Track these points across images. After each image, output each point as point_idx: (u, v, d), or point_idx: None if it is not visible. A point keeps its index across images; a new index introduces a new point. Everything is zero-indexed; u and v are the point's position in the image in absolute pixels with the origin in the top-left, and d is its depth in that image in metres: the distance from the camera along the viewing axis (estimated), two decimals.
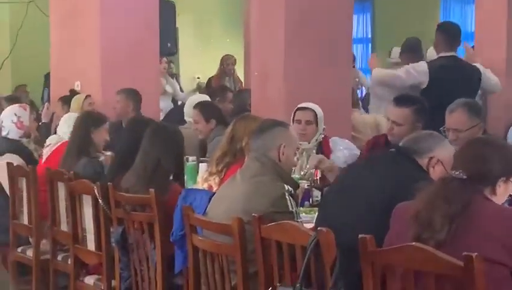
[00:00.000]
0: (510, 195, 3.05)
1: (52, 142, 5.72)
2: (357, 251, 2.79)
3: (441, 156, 3.43)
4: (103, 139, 5.38)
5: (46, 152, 5.65)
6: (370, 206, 3.24)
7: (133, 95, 6.88)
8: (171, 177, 4.42)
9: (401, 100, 4.78)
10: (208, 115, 6.04)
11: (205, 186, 4.43)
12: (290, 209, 3.51)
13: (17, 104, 6.20)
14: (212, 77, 10.60)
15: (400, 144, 3.57)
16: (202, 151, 6.11)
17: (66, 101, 7.22)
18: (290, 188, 3.58)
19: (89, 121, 5.37)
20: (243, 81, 10.39)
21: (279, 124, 3.85)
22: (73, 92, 7.31)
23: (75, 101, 7.03)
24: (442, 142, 3.53)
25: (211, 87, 9.84)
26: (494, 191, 2.86)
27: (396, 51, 8.46)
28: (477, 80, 6.26)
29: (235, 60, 10.42)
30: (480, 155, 2.88)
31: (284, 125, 3.88)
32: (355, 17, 12.86)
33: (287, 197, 3.53)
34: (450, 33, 6.33)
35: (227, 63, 10.37)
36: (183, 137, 4.60)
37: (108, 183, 4.39)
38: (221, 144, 4.54)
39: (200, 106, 6.19)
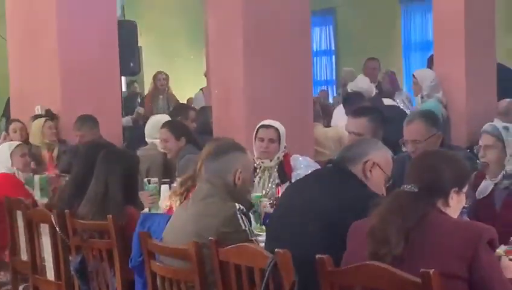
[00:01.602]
0: (464, 207, 3.03)
1: None
2: (315, 270, 2.75)
3: (376, 158, 3.36)
4: None
5: None
6: (319, 226, 3.17)
7: (94, 122, 6.77)
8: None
9: (357, 111, 4.88)
10: (177, 133, 5.96)
11: (167, 204, 4.37)
12: (243, 227, 3.43)
13: None
14: (144, 96, 10.22)
15: (335, 156, 3.51)
16: (167, 172, 6.04)
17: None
18: (241, 206, 3.50)
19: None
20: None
21: (235, 148, 3.79)
22: (48, 114, 7.21)
23: (36, 124, 6.92)
24: (376, 145, 3.45)
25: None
26: (447, 203, 2.82)
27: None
28: None
29: (167, 76, 9.95)
30: (431, 167, 2.85)
31: (240, 150, 3.81)
32: (317, 29, 13.01)
33: (238, 215, 3.46)
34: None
35: (158, 79, 9.91)
36: (135, 160, 4.53)
37: (65, 210, 4.31)
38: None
39: (168, 124, 6.10)
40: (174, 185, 5.10)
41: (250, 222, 3.53)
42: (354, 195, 3.19)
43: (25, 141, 6.84)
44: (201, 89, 10.00)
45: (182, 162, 5.84)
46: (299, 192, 3.43)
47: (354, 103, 6.73)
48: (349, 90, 8.14)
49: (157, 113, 8.94)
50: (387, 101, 7.86)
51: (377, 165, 3.34)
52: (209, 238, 3.27)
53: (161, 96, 9.72)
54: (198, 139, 6.14)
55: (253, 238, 3.44)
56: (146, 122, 7.22)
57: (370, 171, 3.33)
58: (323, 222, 3.14)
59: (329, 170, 3.45)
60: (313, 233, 3.14)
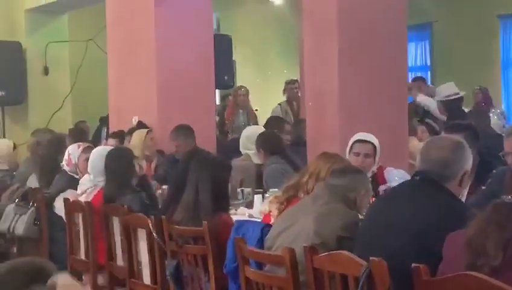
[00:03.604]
0: None
1: (88, 186, 5.52)
2: (409, 280, 2.73)
3: (468, 167, 3.34)
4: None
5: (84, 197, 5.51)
6: (407, 239, 3.12)
7: (190, 132, 6.87)
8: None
9: (452, 128, 4.86)
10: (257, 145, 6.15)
11: (266, 208, 4.40)
12: None
13: (76, 143, 6.25)
14: (224, 109, 10.37)
15: (426, 168, 3.32)
16: (261, 182, 6.10)
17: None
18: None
19: (130, 153, 5.40)
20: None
21: (361, 172, 3.96)
22: (140, 125, 7.34)
23: (137, 136, 7.03)
24: (466, 154, 3.33)
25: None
26: None
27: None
28: None
29: (247, 91, 10.06)
30: None
31: (365, 174, 3.99)
32: (413, 44, 12.84)
33: (360, 225, 3.50)
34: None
35: (238, 94, 10.05)
36: (226, 167, 4.57)
37: (162, 216, 4.39)
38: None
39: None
40: (267, 195, 5.15)
41: None
42: (444, 208, 3.15)
43: None
44: (279, 104, 10.10)
45: (268, 173, 5.91)
46: (384, 206, 3.41)
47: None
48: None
49: (237, 127, 9.06)
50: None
51: (468, 173, 3.34)
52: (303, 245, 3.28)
53: (241, 111, 9.83)
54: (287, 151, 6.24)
55: None
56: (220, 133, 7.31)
57: (462, 180, 3.32)
58: (408, 234, 3.10)
59: (417, 182, 3.35)
60: (397, 246, 3.10)
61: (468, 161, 3.34)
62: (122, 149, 5.68)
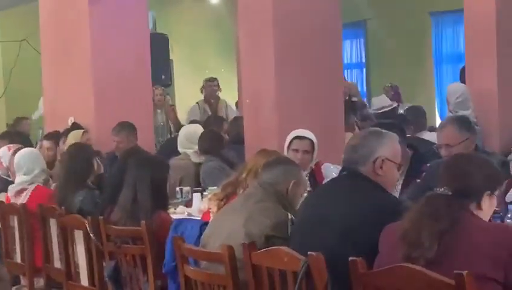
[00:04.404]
0: (495, 210, 3.02)
1: (23, 186, 5.44)
2: (346, 273, 2.76)
3: (384, 153, 3.26)
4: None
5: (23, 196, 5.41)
6: (336, 235, 3.12)
7: (132, 129, 6.82)
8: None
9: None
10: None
11: (205, 206, 4.40)
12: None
13: (6, 146, 6.16)
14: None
15: (344, 158, 3.36)
16: (199, 181, 6.10)
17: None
18: (293, 217, 3.53)
19: (90, 151, 5.33)
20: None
21: (293, 164, 3.93)
22: (74, 126, 7.25)
23: (73, 136, 6.94)
24: (381, 140, 3.31)
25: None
26: (480, 207, 2.83)
27: None
28: None
29: (164, 91, 9.85)
30: (464, 171, 2.85)
31: (297, 166, 3.94)
32: (348, 42, 12.99)
33: (289, 224, 3.49)
34: None
35: (155, 94, 9.52)
36: (165, 166, 4.55)
37: (99, 217, 4.35)
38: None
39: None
40: (205, 193, 5.15)
41: None
42: (370, 202, 3.16)
43: (53, 157, 6.91)
44: (197, 102, 10.08)
45: (205, 170, 5.92)
46: (316, 202, 3.42)
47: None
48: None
49: (156, 127, 9.02)
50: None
51: (386, 160, 3.26)
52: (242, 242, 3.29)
53: (159, 111, 9.64)
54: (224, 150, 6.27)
55: None
56: None
57: (381, 168, 3.25)
58: (341, 230, 3.12)
59: (343, 177, 3.37)
60: (330, 242, 3.11)
61: (383, 147, 3.27)
62: (82, 146, 5.57)
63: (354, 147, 3.32)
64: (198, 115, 9.64)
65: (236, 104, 10.37)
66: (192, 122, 8.31)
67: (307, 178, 5.10)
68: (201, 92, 10.16)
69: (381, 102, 8.81)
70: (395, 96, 10.13)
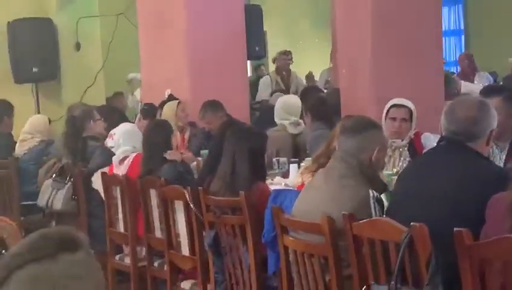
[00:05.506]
0: None
1: (125, 154, 5.64)
2: (452, 245, 2.70)
3: (495, 125, 3.27)
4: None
5: (126, 163, 5.60)
6: (443, 206, 3.08)
7: (215, 107, 6.74)
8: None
9: (487, 91, 4.64)
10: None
11: (299, 181, 4.38)
12: (374, 216, 3.35)
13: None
14: (257, 80, 10.56)
15: (454, 129, 3.24)
16: (296, 152, 6.07)
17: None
18: (376, 194, 3.42)
19: (169, 127, 5.41)
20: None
21: (373, 126, 3.68)
22: (171, 98, 7.32)
23: (169, 108, 7.02)
24: (492, 111, 3.26)
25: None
26: None
27: None
28: None
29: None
30: None
31: (378, 127, 3.74)
32: (446, 9, 12.67)
33: (372, 204, 3.39)
34: None
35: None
36: (262, 137, 4.54)
37: (199, 187, 4.39)
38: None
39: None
40: (302, 164, 5.13)
41: (383, 208, 3.43)
42: (477, 173, 3.11)
43: None
44: (268, 74, 10.21)
45: (312, 139, 5.85)
46: (419, 174, 3.33)
47: None
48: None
49: None
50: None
51: (494, 130, 3.29)
52: (342, 212, 3.26)
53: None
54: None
55: None
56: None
57: (490, 138, 3.27)
58: (449, 204, 3.06)
59: (448, 148, 3.28)
60: (437, 215, 3.06)
61: (495, 119, 3.27)
62: (162, 122, 5.70)
63: (473, 120, 3.23)
64: (270, 86, 9.72)
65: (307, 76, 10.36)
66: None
67: (406, 148, 5.03)
68: (273, 62, 10.30)
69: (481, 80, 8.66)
70: (471, 65, 10.02)
